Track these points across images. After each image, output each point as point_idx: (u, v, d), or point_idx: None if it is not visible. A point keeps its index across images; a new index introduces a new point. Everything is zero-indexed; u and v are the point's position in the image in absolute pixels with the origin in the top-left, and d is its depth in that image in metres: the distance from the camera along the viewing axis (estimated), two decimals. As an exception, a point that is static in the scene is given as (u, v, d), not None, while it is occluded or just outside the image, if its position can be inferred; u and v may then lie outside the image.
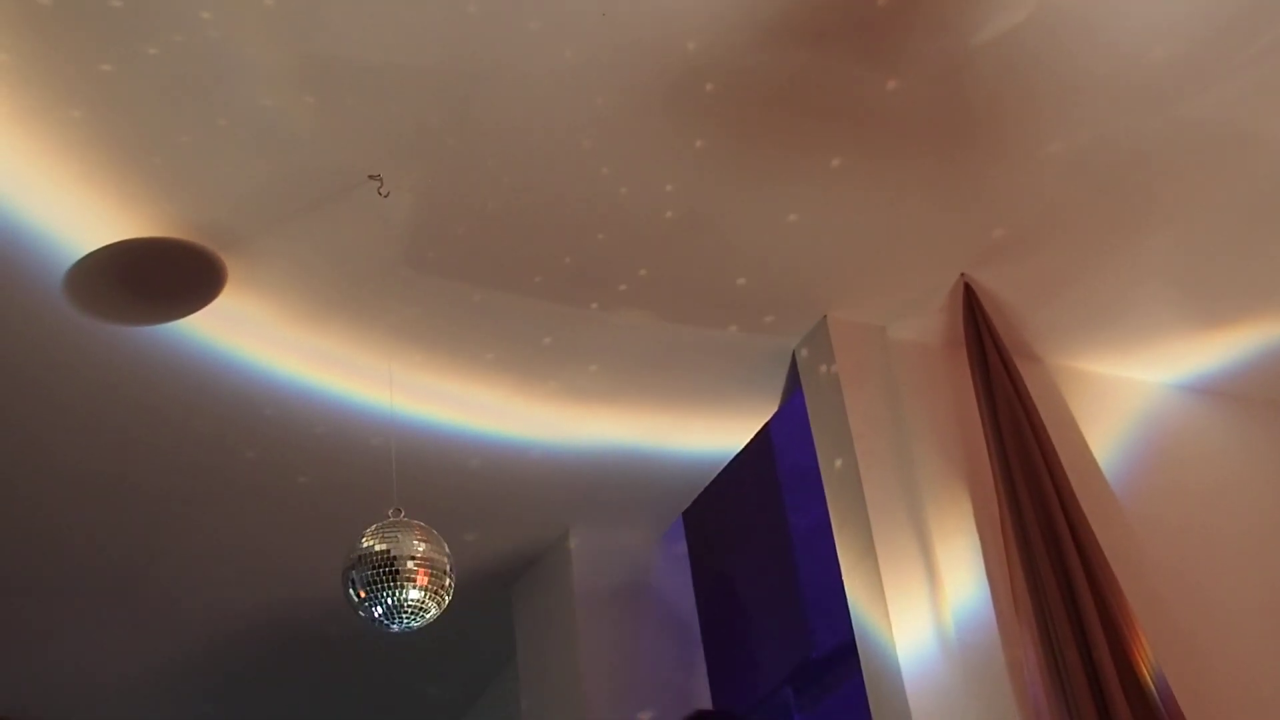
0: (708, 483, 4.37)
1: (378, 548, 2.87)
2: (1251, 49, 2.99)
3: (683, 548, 4.68)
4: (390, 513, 2.98)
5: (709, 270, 3.46)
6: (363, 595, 2.87)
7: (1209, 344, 3.94)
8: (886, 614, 3.21)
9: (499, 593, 4.81)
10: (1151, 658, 3.09)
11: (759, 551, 5.37)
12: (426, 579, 2.88)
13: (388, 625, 2.89)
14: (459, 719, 5.64)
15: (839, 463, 3.49)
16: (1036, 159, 3.23)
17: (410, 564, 2.87)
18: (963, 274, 3.57)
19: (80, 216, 3.07)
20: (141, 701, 5.30)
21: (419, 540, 2.91)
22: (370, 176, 3.06)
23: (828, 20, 2.83)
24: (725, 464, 4.27)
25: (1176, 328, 3.89)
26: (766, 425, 4.14)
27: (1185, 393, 4.06)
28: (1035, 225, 3.43)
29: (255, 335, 3.49)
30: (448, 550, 2.95)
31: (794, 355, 3.74)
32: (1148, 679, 3.06)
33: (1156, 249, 3.54)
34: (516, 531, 4.47)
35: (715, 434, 4.11)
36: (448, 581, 2.92)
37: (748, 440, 4.16)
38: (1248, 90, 3.10)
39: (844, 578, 3.40)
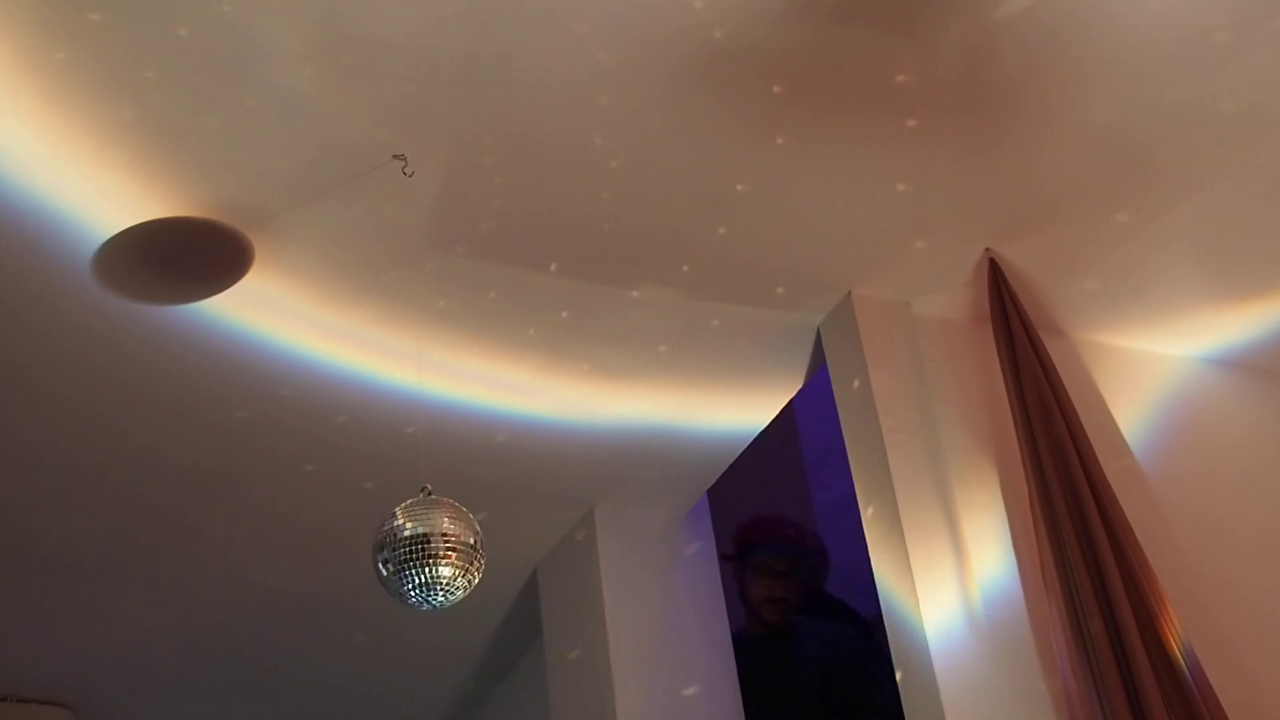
0: (733, 460, 4.38)
1: (407, 526, 2.89)
2: (1277, 21, 2.97)
3: (708, 524, 4.70)
4: (420, 492, 3.00)
5: (733, 249, 3.45)
6: (393, 573, 2.88)
7: (1235, 317, 3.93)
8: (913, 589, 3.22)
9: (525, 570, 4.83)
10: (1180, 633, 3.08)
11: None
12: (456, 556, 2.89)
13: (418, 603, 2.91)
14: (486, 696, 5.67)
15: (865, 438, 3.50)
16: (1061, 133, 3.21)
17: (440, 542, 2.88)
18: (987, 249, 3.56)
19: (108, 197, 3.08)
20: (169, 679, 5.35)
21: (448, 518, 2.92)
22: (395, 156, 3.06)
23: (852, -4, 2.83)
24: (750, 441, 4.27)
25: (1202, 301, 3.88)
26: (790, 402, 4.14)
27: (1211, 366, 4.05)
28: (1060, 200, 3.42)
29: (283, 315, 3.50)
30: (477, 528, 2.97)
31: (818, 332, 3.74)
32: (1176, 654, 3.05)
33: (1182, 222, 3.52)
34: (543, 509, 4.49)
35: (740, 411, 4.11)
36: (477, 559, 2.93)
37: (772, 417, 4.16)
38: (1273, 64, 3.08)
39: (870, 553, 3.40)
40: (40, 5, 2.66)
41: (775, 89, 3.01)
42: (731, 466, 4.42)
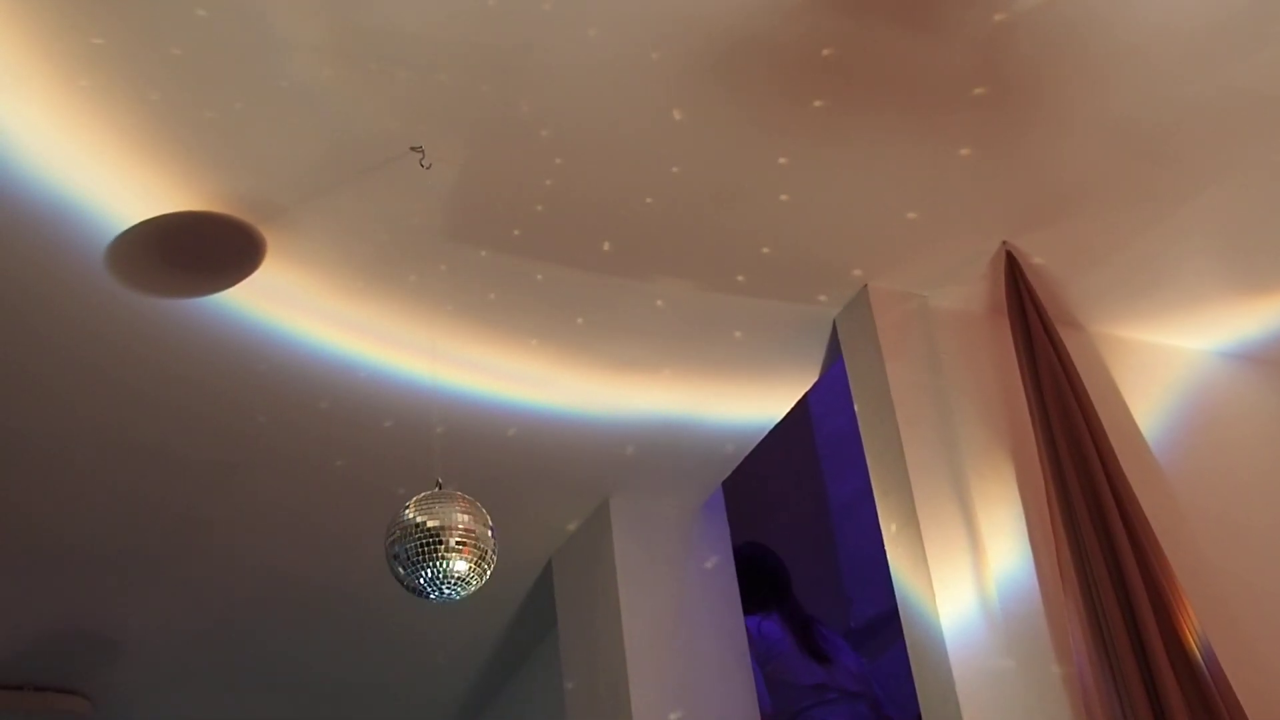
0: (748, 452, 4.37)
1: (420, 520, 2.89)
2: (1294, 13, 2.96)
3: (723, 517, 4.69)
4: (435, 485, 3.00)
5: (750, 241, 3.45)
6: (406, 566, 2.89)
7: (1252, 310, 3.91)
8: (930, 583, 3.21)
9: (540, 562, 4.83)
10: (1197, 626, 3.07)
11: (798, 520, 5.39)
12: (469, 550, 2.89)
13: (431, 596, 2.91)
14: (500, 688, 5.67)
15: (881, 432, 3.49)
16: (1078, 126, 3.20)
17: (453, 535, 2.89)
18: (1004, 241, 3.54)
19: (122, 191, 3.09)
20: (183, 669, 5.36)
21: (461, 511, 2.92)
22: (412, 148, 3.06)
23: (869, -12, 2.82)
24: (766, 433, 4.26)
25: (1219, 294, 3.85)
26: (805, 394, 4.13)
27: (1228, 360, 4.03)
28: (1076, 192, 3.40)
29: (296, 308, 3.51)
30: (490, 521, 2.97)
31: (834, 325, 3.73)
32: (1193, 648, 3.04)
33: (1198, 215, 3.50)
34: (557, 501, 4.49)
35: (756, 403, 4.10)
36: (490, 552, 2.94)
37: (788, 409, 4.15)
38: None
39: (886, 546, 3.40)
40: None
41: (792, 85, 3.00)
42: (747, 459, 4.41)
